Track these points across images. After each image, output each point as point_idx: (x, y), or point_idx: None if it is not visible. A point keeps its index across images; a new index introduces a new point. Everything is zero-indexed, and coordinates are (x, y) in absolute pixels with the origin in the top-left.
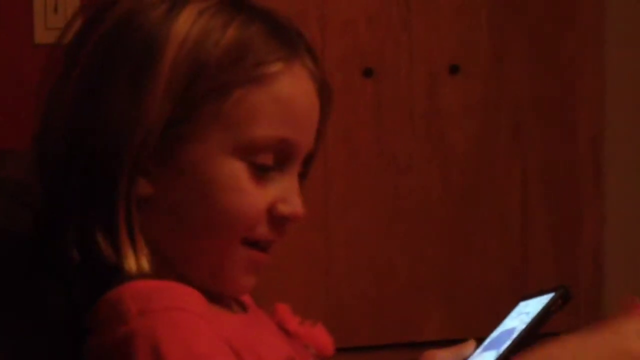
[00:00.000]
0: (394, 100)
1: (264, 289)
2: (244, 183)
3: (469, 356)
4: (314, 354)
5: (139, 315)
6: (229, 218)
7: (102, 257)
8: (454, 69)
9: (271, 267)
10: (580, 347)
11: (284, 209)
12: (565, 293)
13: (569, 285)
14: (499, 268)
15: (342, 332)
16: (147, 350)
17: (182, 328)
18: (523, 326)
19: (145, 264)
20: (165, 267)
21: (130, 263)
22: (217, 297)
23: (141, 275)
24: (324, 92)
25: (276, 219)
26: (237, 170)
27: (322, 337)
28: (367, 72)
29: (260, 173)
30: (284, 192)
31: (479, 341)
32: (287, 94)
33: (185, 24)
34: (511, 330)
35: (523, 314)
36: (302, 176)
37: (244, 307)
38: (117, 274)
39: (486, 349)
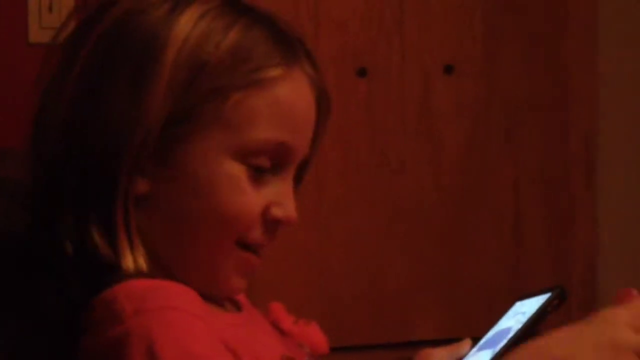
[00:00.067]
0: (387, 100)
1: (260, 289)
2: (242, 184)
3: (464, 355)
4: (308, 352)
5: (133, 314)
6: (227, 218)
7: (100, 255)
8: (448, 69)
9: (266, 266)
10: (570, 337)
11: (278, 212)
12: (561, 293)
13: (564, 286)
14: (494, 267)
15: (338, 332)
16: (142, 350)
17: (177, 327)
18: (519, 326)
19: (142, 263)
20: (159, 266)
21: (128, 262)
22: (211, 296)
23: (136, 274)
24: (322, 98)
25: (269, 223)
26: (235, 171)
27: (316, 336)
28: (361, 72)
29: (257, 175)
30: (279, 196)
31: (475, 341)
32: (286, 98)
33: (187, 25)
34: (507, 330)
35: (519, 313)
36: (297, 181)
37: (238, 307)
38: (112, 273)
39: (482, 349)
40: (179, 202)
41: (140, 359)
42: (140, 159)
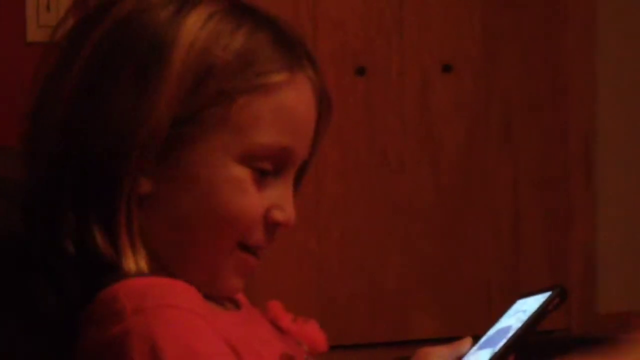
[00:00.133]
0: (386, 99)
1: (258, 288)
2: (246, 186)
3: (464, 353)
4: (307, 350)
5: (134, 313)
6: (229, 219)
7: (101, 256)
8: (446, 68)
9: (265, 265)
10: None
11: (278, 215)
12: (561, 292)
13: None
14: (493, 266)
15: (337, 330)
16: (144, 348)
17: (177, 325)
18: (519, 324)
19: (143, 265)
20: (159, 266)
21: (130, 263)
22: (210, 295)
23: (136, 273)
24: (324, 100)
25: (269, 225)
26: (240, 174)
27: (315, 334)
28: (360, 71)
29: (260, 178)
30: (280, 199)
31: (476, 338)
32: (290, 104)
33: (195, 27)
34: (507, 329)
35: (520, 312)
36: (296, 182)
37: (237, 305)
38: (112, 272)
39: (482, 347)
40: (182, 202)
41: (142, 357)
42: (144, 159)
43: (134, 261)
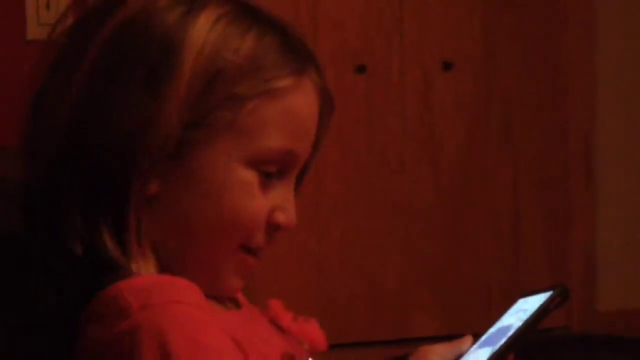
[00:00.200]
0: (386, 97)
1: (258, 288)
2: (254, 189)
3: (465, 352)
4: (307, 349)
5: (140, 309)
6: (235, 222)
7: (109, 258)
8: (447, 66)
9: (266, 265)
10: None
11: (280, 217)
12: (563, 291)
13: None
14: (492, 266)
15: (337, 329)
16: (153, 344)
17: (185, 320)
18: (520, 323)
19: (151, 267)
20: (160, 265)
21: (139, 267)
22: (211, 294)
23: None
24: (326, 101)
25: (271, 227)
26: (248, 177)
27: (315, 333)
28: (360, 69)
29: (266, 181)
30: (282, 201)
31: (477, 336)
32: (296, 108)
33: (204, 29)
34: (508, 327)
35: (521, 311)
36: (297, 183)
37: (237, 304)
38: (114, 271)
39: (482, 346)
40: (187, 204)
41: (151, 353)
42: (154, 161)
43: (143, 265)
